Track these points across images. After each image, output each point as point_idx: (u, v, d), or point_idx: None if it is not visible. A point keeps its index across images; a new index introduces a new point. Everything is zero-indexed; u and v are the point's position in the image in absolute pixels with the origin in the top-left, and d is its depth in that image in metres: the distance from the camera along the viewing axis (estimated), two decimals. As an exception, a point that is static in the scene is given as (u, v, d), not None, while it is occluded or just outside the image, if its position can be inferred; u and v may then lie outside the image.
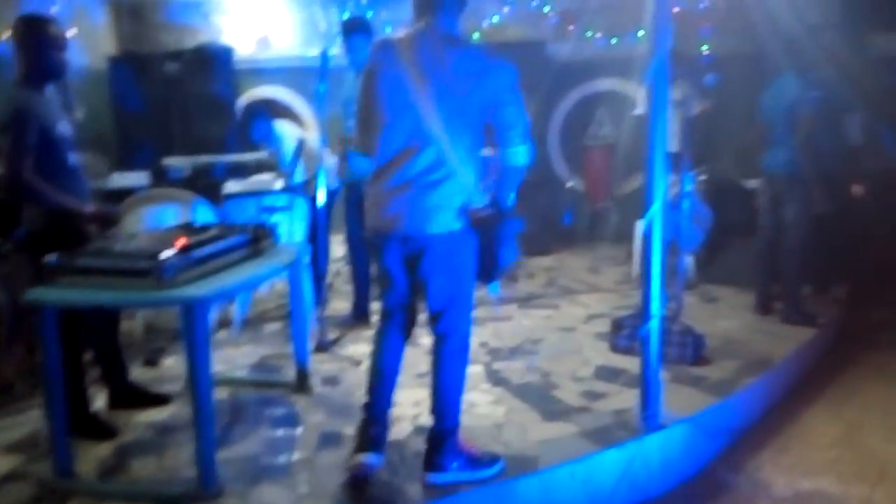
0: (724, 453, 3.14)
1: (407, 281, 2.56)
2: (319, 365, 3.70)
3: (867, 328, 4.70)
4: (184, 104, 6.82)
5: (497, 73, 2.35)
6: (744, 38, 6.02)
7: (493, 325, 4.37)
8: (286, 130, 4.57)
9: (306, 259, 4.17)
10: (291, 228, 4.05)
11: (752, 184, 5.41)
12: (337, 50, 4.82)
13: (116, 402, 3.20)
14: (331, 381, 3.51)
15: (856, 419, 3.43)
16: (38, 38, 2.81)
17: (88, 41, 6.87)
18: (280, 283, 4.41)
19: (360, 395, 3.26)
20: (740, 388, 3.34)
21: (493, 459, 2.59)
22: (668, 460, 2.90)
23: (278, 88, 7.72)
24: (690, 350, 3.61)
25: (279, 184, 4.34)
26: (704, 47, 6.67)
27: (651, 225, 2.82)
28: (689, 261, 5.21)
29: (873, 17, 5.75)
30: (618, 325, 3.89)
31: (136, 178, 4.80)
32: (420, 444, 2.69)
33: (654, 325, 2.86)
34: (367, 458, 2.50)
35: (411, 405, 3.18)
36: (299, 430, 2.97)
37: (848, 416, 3.46)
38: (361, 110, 2.52)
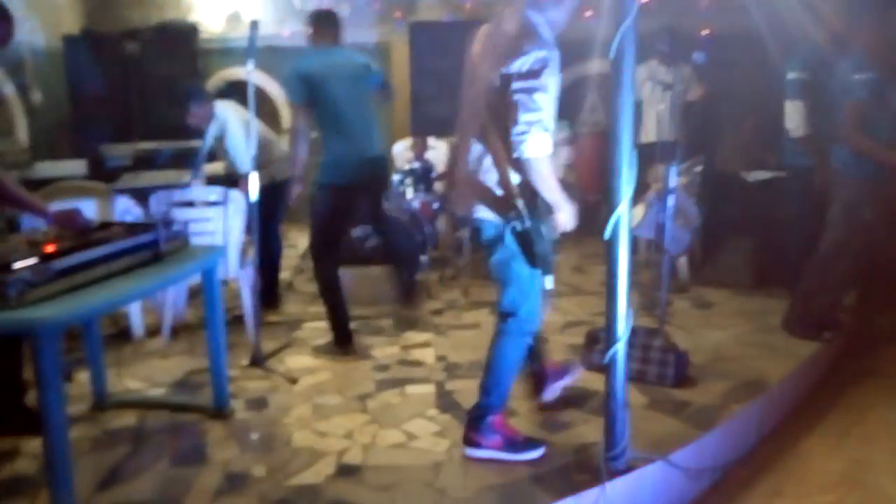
0: (706, 496, 2.68)
1: None
2: (248, 383, 3.27)
3: (871, 341, 4.22)
4: (144, 87, 6.37)
5: None
6: (746, 13, 5.48)
7: (458, 335, 3.92)
8: (232, 114, 4.11)
9: (248, 258, 3.74)
10: (227, 225, 3.60)
11: (756, 176, 4.92)
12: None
13: (4, 429, 2.77)
14: (257, 403, 3.07)
15: (860, 453, 2.96)
16: None
17: (48, 18, 6.43)
18: (231, 282, 3.97)
19: (288, 422, 2.86)
20: (728, 418, 2.87)
21: (533, 445, 2.56)
22: (636, 509, 2.45)
23: (252, 70, 7.25)
24: (672, 370, 3.15)
25: (187, 177, 3.89)
26: (705, 29, 6.15)
27: (616, 228, 2.35)
28: (682, 262, 4.74)
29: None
30: (593, 338, 3.43)
31: (70, 168, 4.36)
32: (341, 490, 2.29)
33: (619, 349, 2.40)
34: None
35: (340, 436, 2.73)
36: (201, 469, 2.52)
37: (851, 449, 2.99)
38: None
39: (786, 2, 4.24)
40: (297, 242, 6.09)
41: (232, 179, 3.96)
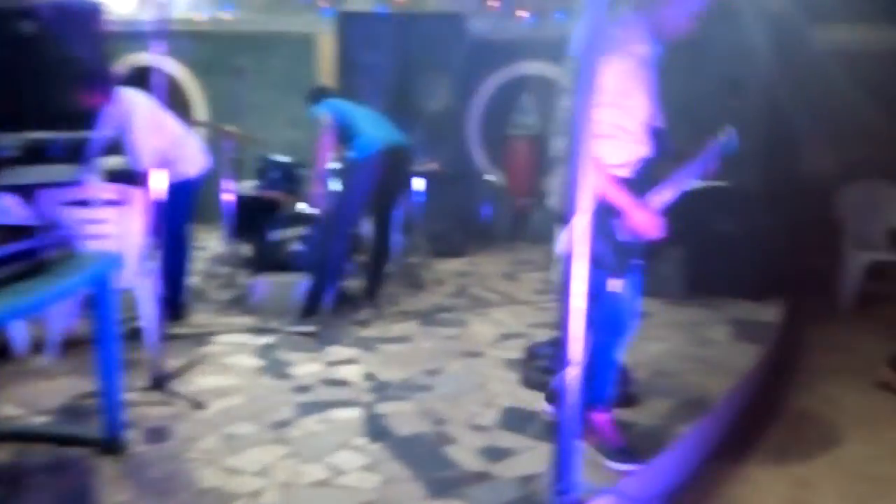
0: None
1: None
2: (147, 409, 2.87)
3: (806, 349, 4.24)
4: (40, 70, 5.73)
5: None
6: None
7: (387, 350, 3.64)
8: (139, 104, 3.68)
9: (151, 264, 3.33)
10: (125, 228, 3.19)
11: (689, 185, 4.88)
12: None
13: None
14: (157, 434, 2.68)
15: (802, 471, 2.88)
16: None
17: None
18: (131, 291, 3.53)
19: (193, 457, 2.50)
20: (674, 440, 2.72)
21: (628, 457, 2.48)
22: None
23: (163, 56, 6.71)
24: (618, 389, 2.97)
25: (69, 172, 3.45)
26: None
27: (573, 244, 2.13)
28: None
29: (826, 7, 5.27)
30: (532, 354, 3.23)
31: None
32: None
33: (571, 374, 2.18)
34: None
35: (254, 473, 2.40)
36: (88, 519, 2.15)
37: (793, 467, 2.91)
38: None
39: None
40: (208, 244, 5.64)
41: (133, 176, 3.54)
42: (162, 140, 3.70)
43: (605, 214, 2.34)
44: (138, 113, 3.64)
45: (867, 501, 2.68)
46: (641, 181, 2.45)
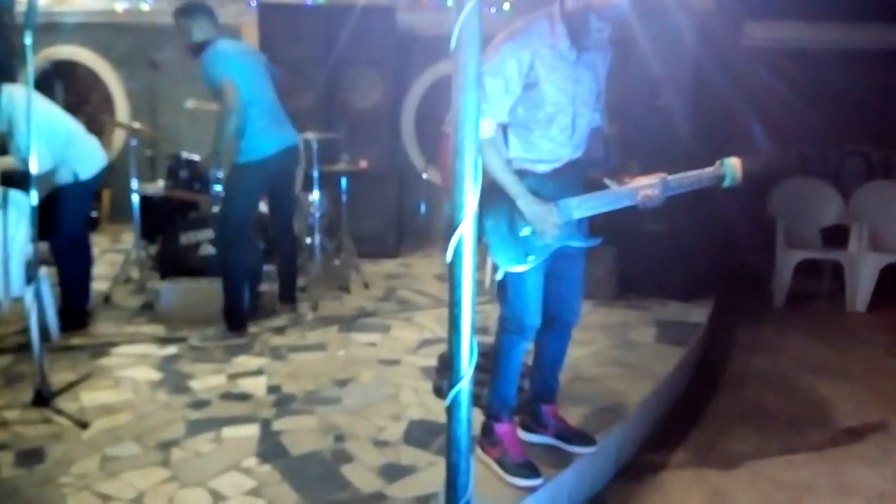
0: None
1: None
2: (25, 428, 2.65)
3: (729, 350, 4.21)
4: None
5: None
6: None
7: (299, 359, 3.45)
8: (37, 100, 3.41)
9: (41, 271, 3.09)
10: (6, 234, 2.94)
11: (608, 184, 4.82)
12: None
13: None
14: (30, 457, 2.45)
15: (721, 481, 2.80)
16: None
17: None
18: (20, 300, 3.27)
19: (66, 482, 2.29)
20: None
21: (529, 473, 2.34)
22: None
23: (78, 49, 6.39)
24: (528, 396, 2.86)
25: None
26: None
27: (459, 249, 2.00)
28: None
29: (753, 3, 5.26)
30: (444, 361, 3.09)
31: None
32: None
33: (463, 388, 2.04)
34: None
35: (127, 500, 2.20)
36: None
37: (710, 477, 2.82)
38: None
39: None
40: (119, 247, 5.36)
41: (17, 178, 3.28)
42: (54, 140, 3.45)
43: (504, 202, 2.27)
44: (28, 112, 3.38)
45: (781, 511, 2.62)
46: (558, 182, 2.33)
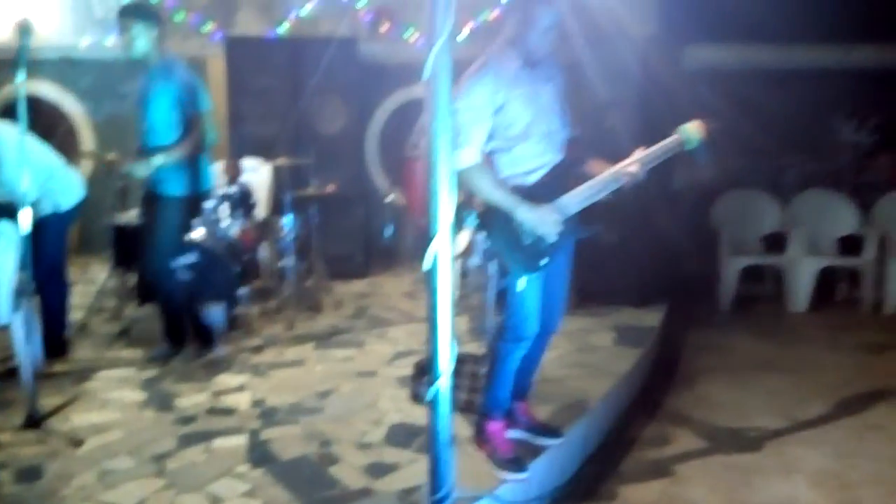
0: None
1: None
2: (20, 449, 2.75)
3: (682, 350, 4.50)
4: None
5: None
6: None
7: (279, 375, 3.61)
8: (10, 136, 3.52)
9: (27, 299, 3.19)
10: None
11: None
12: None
13: None
14: (29, 473, 2.57)
15: (677, 466, 3.06)
16: None
17: None
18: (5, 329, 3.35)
19: (67, 494, 2.41)
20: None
21: (517, 467, 2.57)
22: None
23: (43, 83, 6.46)
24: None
25: None
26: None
27: (436, 259, 2.21)
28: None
29: (692, 29, 5.67)
30: (421, 369, 3.29)
31: None
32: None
33: (442, 385, 2.25)
34: None
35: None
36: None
37: (668, 465, 3.08)
38: None
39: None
40: (94, 276, 5.43)
41: (4, 209, 3.38)
42: (36, 172, 3.56)
43: (504, 218, 2.48)
44: (10, 146, 3.49)
45: (734, 489, 2.88)
46: (549, 185, 2.55)
